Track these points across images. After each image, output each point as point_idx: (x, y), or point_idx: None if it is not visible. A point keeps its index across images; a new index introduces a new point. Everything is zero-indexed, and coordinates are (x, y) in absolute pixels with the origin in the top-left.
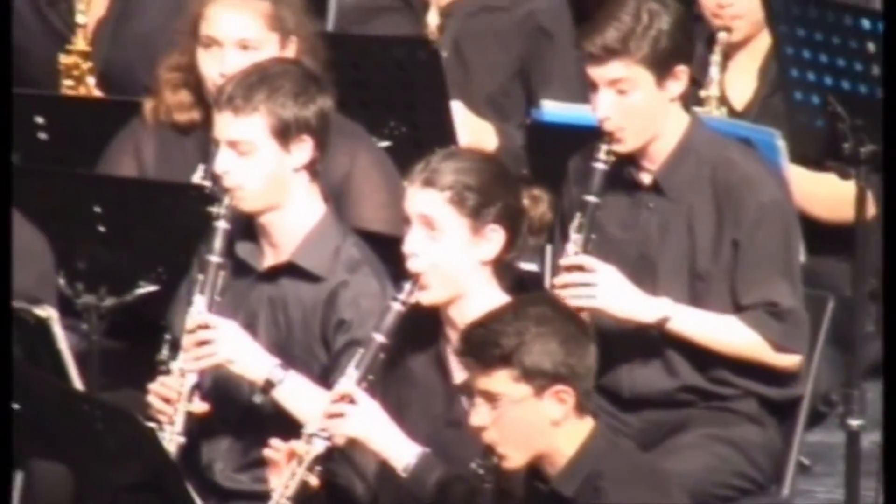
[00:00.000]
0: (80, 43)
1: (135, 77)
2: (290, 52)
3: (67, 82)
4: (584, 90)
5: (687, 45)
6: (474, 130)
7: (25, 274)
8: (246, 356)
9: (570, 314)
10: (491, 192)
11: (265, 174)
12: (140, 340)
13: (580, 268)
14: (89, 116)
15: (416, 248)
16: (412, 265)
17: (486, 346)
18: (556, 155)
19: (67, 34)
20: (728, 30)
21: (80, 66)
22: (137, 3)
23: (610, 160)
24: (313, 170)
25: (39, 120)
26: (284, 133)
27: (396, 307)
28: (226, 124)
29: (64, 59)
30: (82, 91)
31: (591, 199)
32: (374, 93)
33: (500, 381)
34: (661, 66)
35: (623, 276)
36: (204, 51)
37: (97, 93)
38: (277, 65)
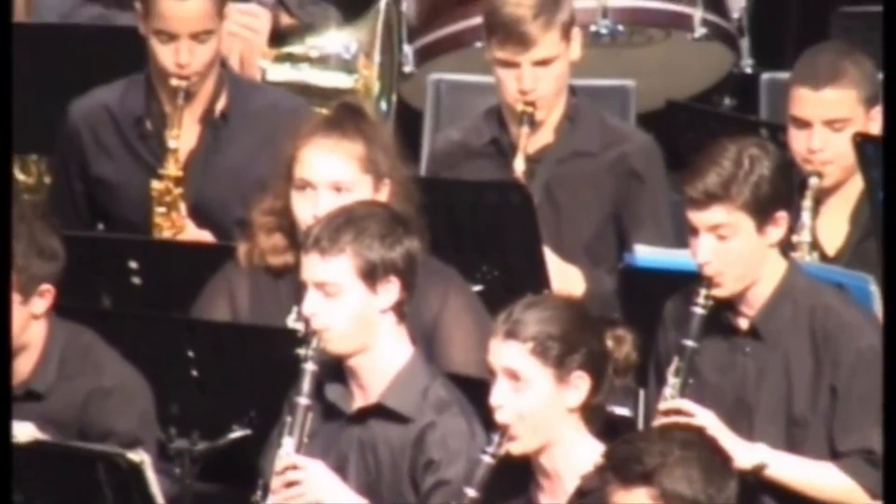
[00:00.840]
0: (172, 168)
1: (226, 209)
2: (383, 195)
3: (159, 209)
4: (676, 233)
5: (787, 190)
6: (562, 275)
7: (127, 415)
8: (335, 497)
9: (714, 445)
10: (574, 340)
11: (352, 316)
12: (233, 484)
13: (678, 412)
14: (183, 260)
15: (503, 401)
16: (500, 417)
17: (628, 461)
18: (649, 299)
19: (158, 167)
20: (819, 175)
21: (171, 191)
22: (228, 135)
23: (708, 305)
24: (400, 311)
25: (133, 265)
26: (371, 274)
27: (486, 460)
28: (313, 266)
29: (156, 185)
30: (174, 217)
31: (690, 343)
32: (466, 236)
33: (638, 498)
34: (761, 212)
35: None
36: (298, 193)
37: (189, 220)
38: (364, 207)
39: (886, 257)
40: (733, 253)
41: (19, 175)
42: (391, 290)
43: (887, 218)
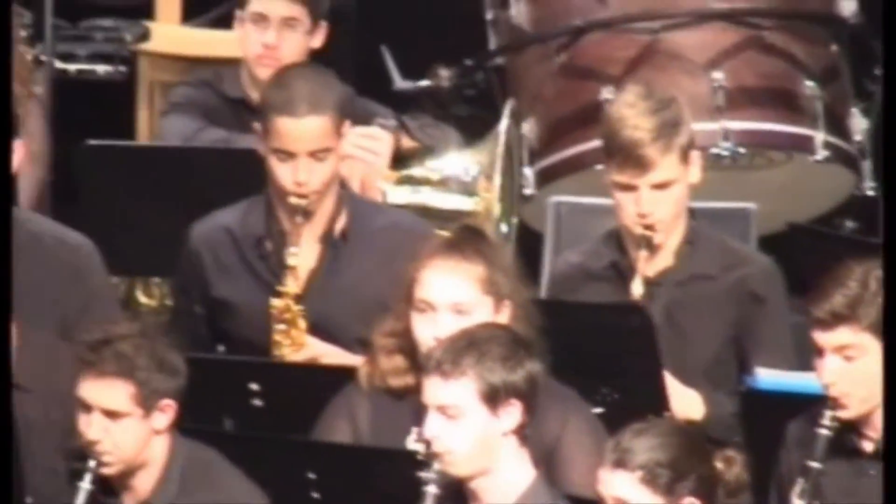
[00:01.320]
0: (291, 285)
1: (345, 328)
2: (504, 316)
3: (279, 327)
4: (797, 355)
5: None
6: (682, 399)
7: None
8: None
9: None
10: (683, 466)
11: (474, 439)
12: None
13: None
14: (304, 382)
15: None
16: None
17: None
18: (770, 422)
19: (278, 286)
20: None
21: (291, 309)
22: (348, 255)
23: (834, 426)
24: (522, 434)
25: (254, 387)
26: (493, 398)
27: None
28: (435, 389)
29: (275, 302)
30: (294, 335)
31: (815, 465)
32: (586, 359)
33: None
34: None
35: None
36: (418, 315)
37: (308, 338)
38: (485, 330)
39: (887, 258)
40: (859, 374)
41: (141, 298)
42: (513, 413)
43: (887, 219)
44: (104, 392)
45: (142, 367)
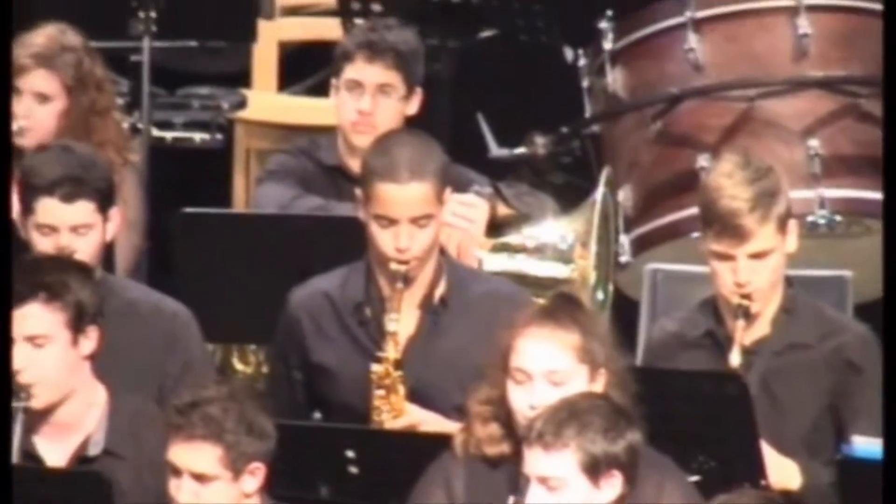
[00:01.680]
0: (391, 351)
1: (444, 395)
2: (599, 384)
3: (378, 392)
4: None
5: None
6: (779, 468)
7: None
8: None
9: None
10: None
11: None
12: None
13: None
14: (400, 449)
15: None
16: None
17: None
18: (868, 491)
19: (377, 352)
20: None
21: (390, 374)
22: (447, 322)
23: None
24: None
25: (350, 454)
26: (594, 469)
27: None
28: (536, 460)
29: (375, 368)
30: (393, 401)
31: None
32: (682, 427)
33: None
34: None
35: None
36: (513, 383)
37: (407, 404)
38: (586, 400)
39: (887, 258)
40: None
41: (238, 365)
42: (614, 484)
43: (887, 221)
44: (193, 455)
45: (230, 429)
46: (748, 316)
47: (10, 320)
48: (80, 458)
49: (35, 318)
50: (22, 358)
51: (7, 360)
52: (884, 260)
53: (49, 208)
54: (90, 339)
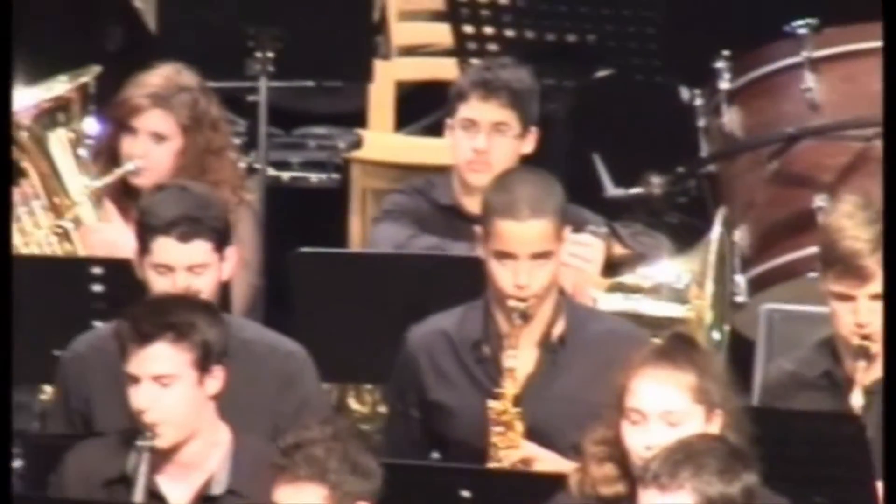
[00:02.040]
0: (509, 388)
1: (562, 434)
2: (715, 425)
3: (496, 429)
4: None
5: None
6: None
7: None
8: None
9: None
10: None
11: None
12: None
13: None
14: (515, 489)
15: None
16: None
17: None
18: None
19: (494, 389)
20: None
21: (508, 411)
22: (565, 360)
23: None
24: None
25: (465, 494)
26: None
27: None
28: (651, 501)
29: (493, 404)
30: (511, 437)
31: None
32: (798, 468)
33: None
34: None
35: None
36: (629, 424)
37: (524, 442)
38: (702, 441)
39: (887, 258)
40: None
41: (354, 404)
42: None
43: (888, 220)
44: (298, 496)
45: (333, 469)
46: (868, 357)
47: (10, 316)
48: (204, 498)
49: (162, 358)
50: (148, 397)
51: (7, 359)
52: (884, 259)
53: (165, 248)
54: (215, 379)
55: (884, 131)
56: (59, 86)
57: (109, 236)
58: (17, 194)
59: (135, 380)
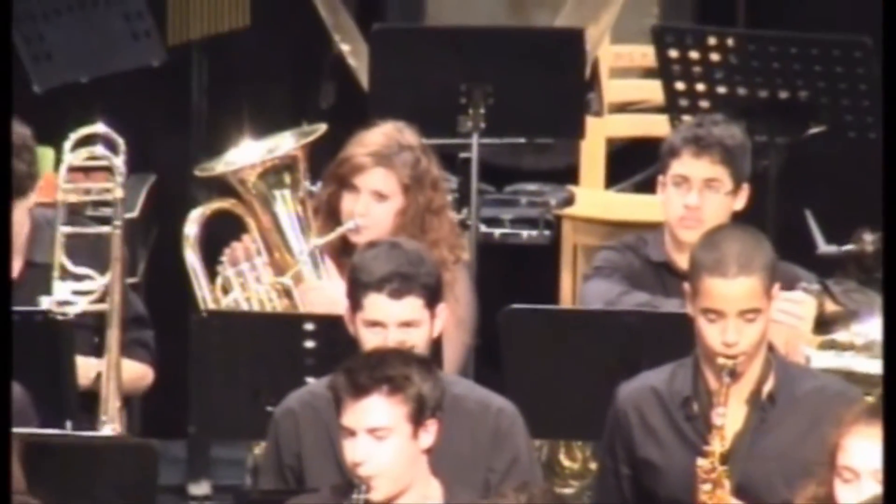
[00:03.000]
0: (717, 445)
1: (771, 491)
2: None
3: (704, 487)
4: None
5: None
6: None
7: None
8: None
9: None
10: None
11: None
12: None
13: None
14: None
15: None
16: None
17: None
18: None
19: (702, 446)
20: None
21: (716, 468)
22: (775, 418)
23: None
24: None
25: None
26: None
27: None
28: None
29: (701, 462)
30: (718, 495)
31: None
32: None
33: None
34: None
35: None
36: (841, 482)
37: (733, 500)
38: None
39: (887, 256)
40: None
41: (564, 461)
42: None
43: (888, 218)
44: None
45: None
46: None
47: (10, 314)
48: None
49: (378, 411)
50: (364, 450)
51: (7, 358)
52: (884, 260)
53: (377, 304)
54: (429, 433)
55: (884, 131)
56: (286, 143)
57: (329, 293)
58: (239, 250)
59: (350, 433)
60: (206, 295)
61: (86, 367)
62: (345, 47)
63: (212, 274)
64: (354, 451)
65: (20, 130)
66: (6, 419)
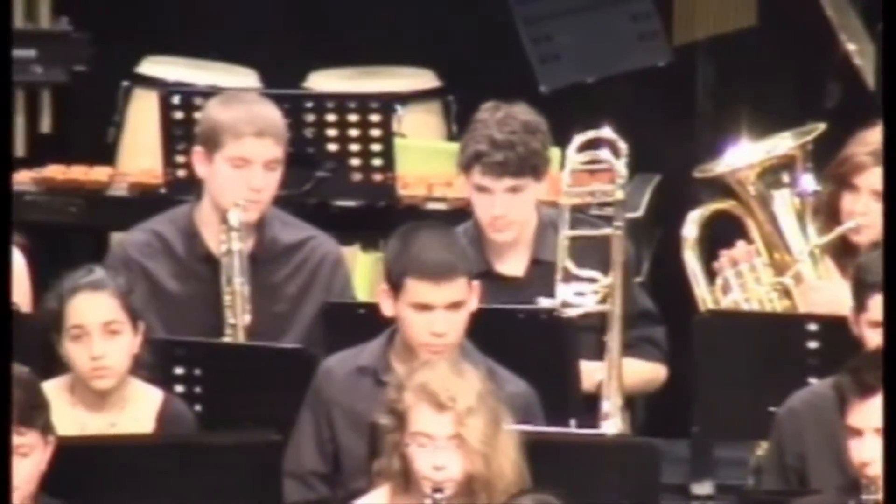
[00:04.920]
0: None
1: None
2: None
3: None
4: None
5: None
6: None
7: None
8: None
9: None
10: None
11: None
12: None
13: None
14: None
15: None
16: None
17: None
18: None
19: None
20: None
21: None
22: None
23: None
24: None
25: None
26: None
27: None
28: None
29: None
30: None
31: None
32: None
33: None
34: None
35: None
36: None
37: None
38: None
39: (887, 255)
40: None
41: None
42: None
43: (888, 218)
44: None
45: None
46: None
47: (10, 313)
48: None
49: None
50: (872, 450)
51: (7, 358)
52: (884, 259)
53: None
54: None
55: (884, 131)
56: (784, 143)
57: (829, 294)
58: (739, 250)
59: (857, 433)
60: (705, 295)
61: (590, 373)
62: (851, 47)
63: (710, 274)
64: (862, 450)
65: None
66: (6, 419)
